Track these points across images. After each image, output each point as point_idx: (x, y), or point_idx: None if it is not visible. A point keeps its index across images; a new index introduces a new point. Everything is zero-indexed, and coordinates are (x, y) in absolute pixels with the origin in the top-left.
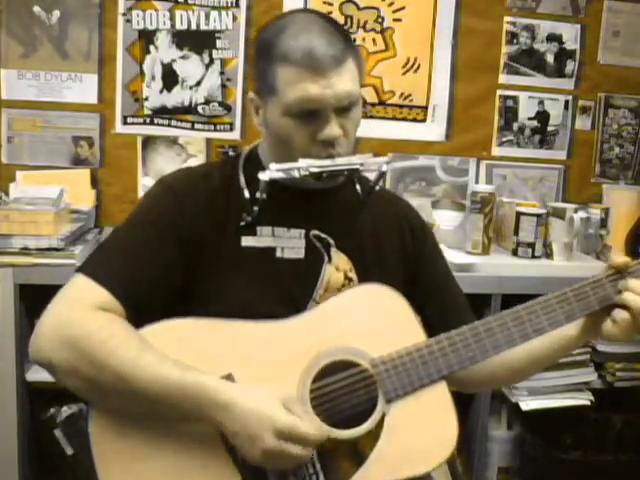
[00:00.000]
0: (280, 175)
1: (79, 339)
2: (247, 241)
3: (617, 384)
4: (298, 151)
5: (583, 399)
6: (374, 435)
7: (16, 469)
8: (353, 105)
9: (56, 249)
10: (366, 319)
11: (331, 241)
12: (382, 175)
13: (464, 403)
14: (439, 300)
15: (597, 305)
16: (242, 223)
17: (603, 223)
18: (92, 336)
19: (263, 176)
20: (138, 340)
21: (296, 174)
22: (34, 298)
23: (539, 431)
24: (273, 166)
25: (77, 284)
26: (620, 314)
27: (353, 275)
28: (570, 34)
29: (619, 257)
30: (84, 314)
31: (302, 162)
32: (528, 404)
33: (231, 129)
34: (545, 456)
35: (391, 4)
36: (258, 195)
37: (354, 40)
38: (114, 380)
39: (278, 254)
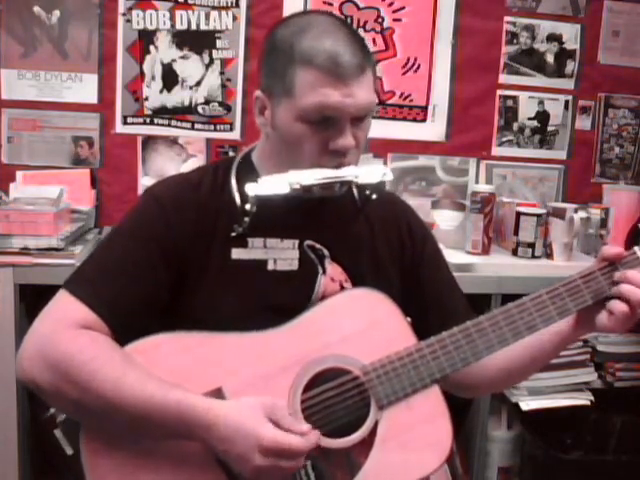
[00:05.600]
0: (267, 192)
1: (61, 360)
2: (237, 253)
3: (617, 384)
4: (306, 158)
5: (583, 399)
6: (368, 443)
7: (16, 469)
8: (368, 115)
9: (56, 249)
10: (355, 325)
11: (326, 252)
12: (379, 184)
13: (464, 403)
14: (440, 307)
15: (591, 300)
16: (233, 234)
17: (603, 223)
18: (74, 357)
19: (250, 190)
20: (121, 359)
21: (286, 189)
22: (34, 298)
23: (539, 431)
24: (262, 180)
25: (61, 302)
26: (617, 306)
27: (349, 285)
28: (570, 34)
29: (612, 248)
30: (67, 334)
31: (292, 175)
32: (528, 404)
33: (231, 129)
34: (545, 456)
35: (391, 4)
36: (248, 207)
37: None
38: (98, 401)
39: (270, 266)
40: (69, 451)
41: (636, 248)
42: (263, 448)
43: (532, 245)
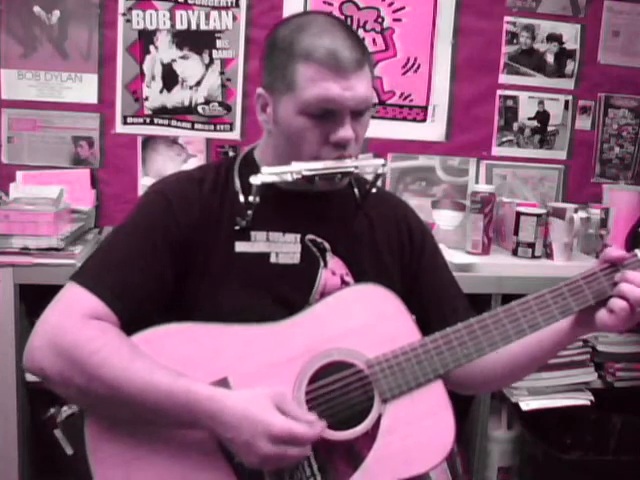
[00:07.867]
0: (272, 179)
1: (70, 349)
2: (241, 246)
3: (617, 384)
4: (308, 151)
5: (583, 399)
6: (371, 436)
7: (16, 469)
8: (366, 110)
9: (56, 249)
10: (360, 319)
11: (327, 245)
12: (378, 177)
13: (464, 403)
14: (439, 306)
15: (592, 300)
16: (236, 227)
17: (603, 223)
18: (83, 346)
19: (254, 180)
20: (129, 349)
21: (288, 177)
22: (34, 298)
23: (539, 431)
24: (265, 170)
25: (70, 293)
26: (618, 304)
27: (350, 279)
28: (570, 34)
29: (615, 251)
30: (76, 323)
31: (295, 165)
32: (528, 404)
33: (231, 129)
34: (545, 456)
35: (391, 4)
36: (251, 199)
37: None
38: (105, 390)
39: (273, 259)
40: (69, 451)
41: (637, 251)
42: (272, 435)
43: (532, 245)
